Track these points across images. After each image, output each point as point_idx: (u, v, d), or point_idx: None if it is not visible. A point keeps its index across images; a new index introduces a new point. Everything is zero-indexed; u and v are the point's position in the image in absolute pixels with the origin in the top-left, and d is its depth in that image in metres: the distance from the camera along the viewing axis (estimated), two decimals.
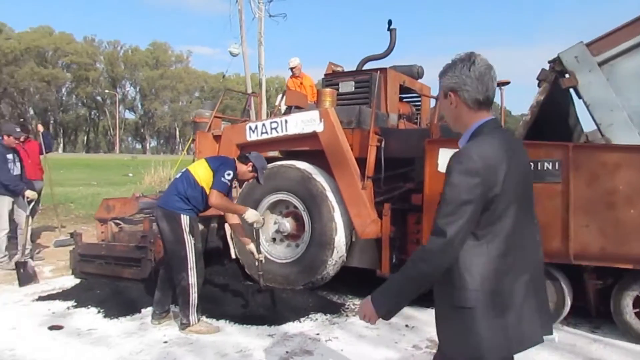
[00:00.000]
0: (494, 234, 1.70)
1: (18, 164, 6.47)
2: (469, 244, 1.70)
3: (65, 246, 7.52)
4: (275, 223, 5.90)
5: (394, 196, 5.30)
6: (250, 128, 5.85)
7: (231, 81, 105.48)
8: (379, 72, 6.00)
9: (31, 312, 5.06)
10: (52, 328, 4.55)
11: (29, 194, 6.35)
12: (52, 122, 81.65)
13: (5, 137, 6.34)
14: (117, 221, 6.32)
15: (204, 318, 4.61)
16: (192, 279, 4.43)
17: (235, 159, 4.69)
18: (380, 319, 1.83)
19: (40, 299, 5.50)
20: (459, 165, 1.66)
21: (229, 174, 4.39)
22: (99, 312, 5.01)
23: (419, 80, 7.10)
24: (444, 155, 4.71)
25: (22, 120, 52.05)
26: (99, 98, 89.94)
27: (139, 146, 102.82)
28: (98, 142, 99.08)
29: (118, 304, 5.12)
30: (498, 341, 1.70)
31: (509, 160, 1.69)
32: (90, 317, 4.90)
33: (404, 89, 6.59)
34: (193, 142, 7.27)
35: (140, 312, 5.00)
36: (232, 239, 5.99)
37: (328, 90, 5.90)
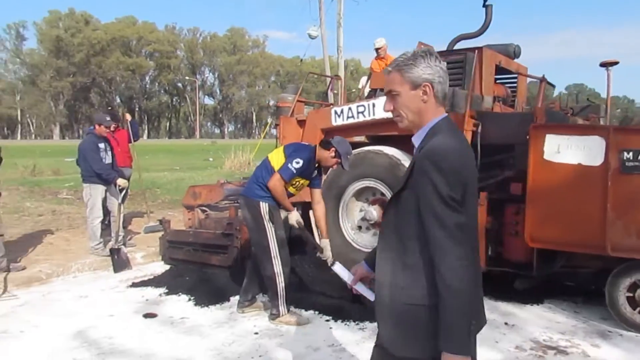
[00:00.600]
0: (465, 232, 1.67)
1: (109, 153, 6.66)
2: None
3: (155, 232, 7.73)
4: (361, 211, 5.70)
5: (491, 185, 4.92)
6: (335, 112, 5.65)
7: (307, 65, 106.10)
8: (475, 51, 5.58)
9: (126, 298, 5.19)
10: (146, 316, 4.63)
11: (121, 182, 6.54)
12: (137, 109, 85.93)
13: (97, 127, 6.54)
14: (204, 208, 6.37)
15: (292, 308, 4.52)
16: (277, 267, 4.34)
17: (317, 145, 4.53)
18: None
19: (134, 285, 5.65)
20: (436, 165, 1.61)
21: (297, 162, 4.28)
22: (189, 300, 5.06)
23: (516, 60, 6.57)
24: (551, 142, 4.30)
25: (110, 108, 55.04)
26: (179, 85, 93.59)
27: (217, 131, 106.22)
28: (179, 128, 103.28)
29: (207, 292, 5.15)
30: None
31: (472, 157, 1.75)
32: (181, 304, 4.95)
33: (499, 70, 6.12)
34: (275, 127, 7.20)
35: (229, 300, 4.99)
36: (316, 227, 5.85)
37: None
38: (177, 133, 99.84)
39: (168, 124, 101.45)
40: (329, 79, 7.64)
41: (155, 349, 3.84)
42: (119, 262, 6.28)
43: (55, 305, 5.03)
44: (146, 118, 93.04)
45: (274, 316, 4.36)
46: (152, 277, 5.97)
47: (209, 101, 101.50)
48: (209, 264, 5.95)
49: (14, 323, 4.49)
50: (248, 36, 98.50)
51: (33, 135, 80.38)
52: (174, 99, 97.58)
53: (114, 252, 6.30)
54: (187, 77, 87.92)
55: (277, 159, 4.42)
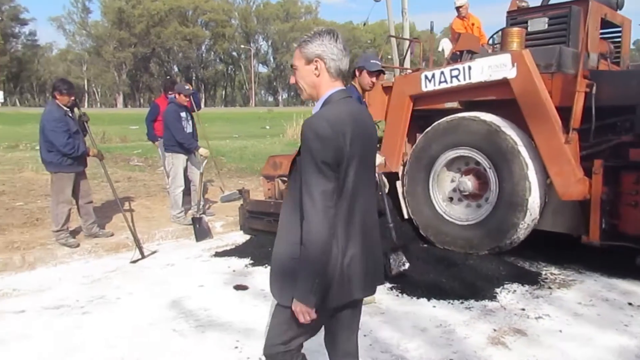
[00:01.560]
0: (342, 197, 1.83)
1: (190, 122, 6.59)
2: None
3: (231, 201, 7.70)
4: (452, 181, 5.39)
5: (606, 151, 4.48)
6: (426, 77, 5.29)
7: (359, 30, 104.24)
8: (580, 4, 5.05)
9: (213, 269, 5.15)
10: (237, 288, 4.55)
11: (203, 151, 6.46)
12: (194, 78, 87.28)
13: (177, 96, 6.45)
14: (284, 178, 6.22)
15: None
16: None
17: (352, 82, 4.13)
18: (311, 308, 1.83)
19: (217, 254, 5.62)
20: (312, 132, 1.76)
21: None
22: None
23: (619, 12, 5.95)
24: None
25: (168, 77, 56.08)
26: (234, 53, 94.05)
27: (271, 99, 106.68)
28: (234, 97, 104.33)
29: None
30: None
31: (353, 125, 1.83)
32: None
33: (604, 24, 5.55)
34: None
35: None
36: (404, 197, 5.60)
37: (515, 29, 5.10)
38: (232, 102, 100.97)
39: (224, 93, 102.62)
40: (407, 43, 7.21)
41: (253, 323, 3.73)
42: (201, 231, 6.27)
43: (144, 273, 5.06)
44: (203, 87, 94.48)
45: None
46: (233, 246, 5.93)
47: (263, 69, 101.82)
48: None
49: (109, 289, 4.54)
50: (300, 3, 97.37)
51: (98, 104, 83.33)
52: (229, 68, 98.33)
53: (196, 221, 6.29)
54: (242, 46, 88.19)
55: None
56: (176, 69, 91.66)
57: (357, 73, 4.12)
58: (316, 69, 1.89)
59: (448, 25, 7.68)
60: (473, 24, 7.27)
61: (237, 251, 5.69)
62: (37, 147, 6.33)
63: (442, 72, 5.18)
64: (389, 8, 15.40)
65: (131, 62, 78.81)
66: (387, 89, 5.75)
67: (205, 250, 5.90)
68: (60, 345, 3.40)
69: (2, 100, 58.83)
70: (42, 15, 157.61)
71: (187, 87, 6.50)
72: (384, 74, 5.44)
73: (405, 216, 5.60)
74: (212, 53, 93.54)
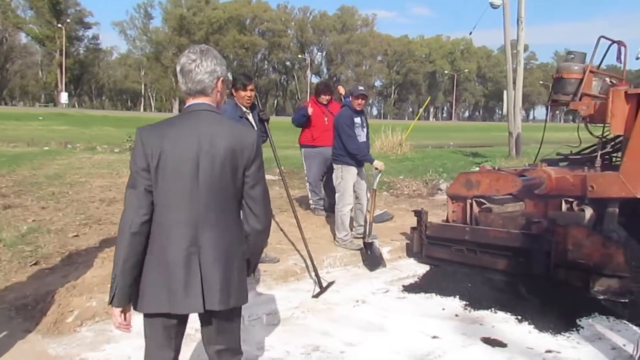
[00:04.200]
0: (157, 203, 1.95)
1: (365, 130, 5.62)
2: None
3: (384, 221, 6.72)
4: None
5: None
6: None
7: (415, 44, 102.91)
8: None
9: (420, 309, 4.16)
10: (487, 342, 3.51)
11: (378, 164, 5.46)
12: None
13: (352, 99, 5.50)
14: (482, 200, 5.16)
15: None
16: None
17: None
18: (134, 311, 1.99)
19: (407, 289, 4.65)
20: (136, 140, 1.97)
21: None
22: (518, 319, 3.88)
23: None
24: None
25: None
26: (288, 63, 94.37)
27: None
28: (285, 106, 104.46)
29: (538, 311, 3.95)
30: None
31: (173, 139, 1.94)
32: (510, 326, 3.78)
33: None
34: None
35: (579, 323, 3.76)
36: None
37: None
38: (282, 110, 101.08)
39: (275, 102, 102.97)
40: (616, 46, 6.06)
41: None
42: (373, 259, 5.29)
43: (339, 313, 4.10)
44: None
45: None
46: (417, 278, 4.98)
47: (315, 80, 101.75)
48: (490, 268, 4.80)
49: (316, 336, 3.57)
50: (358, 15, 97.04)
51: (152, 109, 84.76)
52: (282, 77, 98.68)
53: (368, 247, 5.31)
54: (299, 55, 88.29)
55: None
56: (230, 77, 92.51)
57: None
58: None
59: None
60: None
61: (429, 286, 4.68)
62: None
63: None
64: (506, 16, 14.32)
65: None
66: (631, 97, 4.63)
67: (387, 282, 4.90)
68: None
69: (67, 102, 60.36)
70: (106, 19, 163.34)
71: (360, 88, 5.54)
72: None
73: None
74: (266, 62, 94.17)
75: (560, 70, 5.61)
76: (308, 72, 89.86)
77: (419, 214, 5.47)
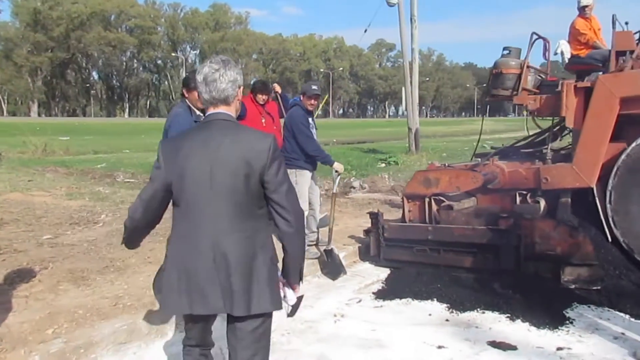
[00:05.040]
0: (177, 216, 2.09)
1: (315, 131, 5.25)
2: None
3: (325, 226, 6.42)
4: None
5: None
6: None
7: (290, 42, 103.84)
8: None
9: (405, 319, 3.94)
10: (496, 345, 3.37)
11: (338, 166, 5.12)
12: (116, 86, 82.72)
13: (302, 98, 5.11)
14: (441, 198, 5.07)
15: None
16: None
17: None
18: None
19: (381, 296, 4.44)
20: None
21: None
22: (510, 318, 3.81)
23: None
24: None
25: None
26: (160, 62, 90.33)
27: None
28: (158, 107, 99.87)
29: (524, 306, 3.91)
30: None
31: (189, 152, 2.04)
32: (509, 326, 3.69)
33: None
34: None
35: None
36: (610, 217, 4.64)
37: None
38: (156, 111, 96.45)
39: (148, 103, 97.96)
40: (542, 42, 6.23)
41: None
42: (334, 267, 4.98)
43: (324, 331, 3.74)
44: (127, 96, 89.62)
45: None
46: (385, 283, 4.80)
47: None
48: (456, 266, 4.75)
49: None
50: (231, 13, 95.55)
51: (4, 112, 76.11)
52: (154, 77, 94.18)
53: (328, 255, 4.99)
54: (173, 54, 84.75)
55: None
56: (95, 76, 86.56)
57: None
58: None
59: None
60: (600, 29, 6.51)
61: (401, 291, 4.49)
62: None
63: None
64: (400, 14, 14.68)
65: (48, 68, 72.83)
66: (580, 90, 4.81)
67: (355, 291, 4.63)
68: None
69: None
70: None
71: (314, 87, 5.18)
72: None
73: (610, 239, 4.63)
74: (136, 61, 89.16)
75: (499, 66, 5.71)
76: (182, 71, 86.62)
77: (375, 215, 5.27)
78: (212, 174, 1.99)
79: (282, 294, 2.18)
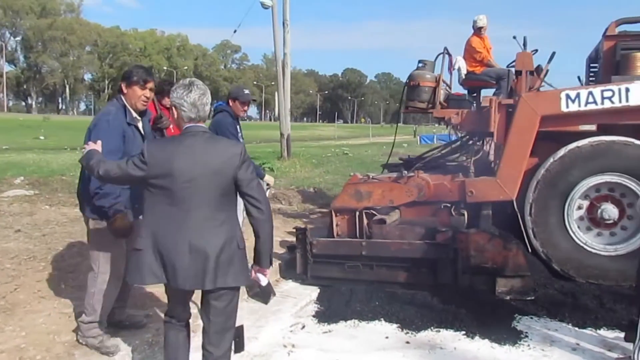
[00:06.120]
0: (155, 203, 2.45)
1: (241, 139, 4.73)
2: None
3: None
4: (579, 208, 4.89)
5: None
6: (568, 97, 4.72)
7: (129, 36, 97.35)
8: None
9: (362, 344, 3.69)
10: None
11: (269, 179, 4.65)
12: None
13: (232, 102, 4.57)
14: (373, 212, 4.92)
15: None
16: None
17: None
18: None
19: (324, 320, 4.14)
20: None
21: None
22: (467, 334, 3.77)
23: None
24: None
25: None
26: None
27: (22, 104, 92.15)
28: None
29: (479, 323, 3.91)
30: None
31: (175, 152, 2.43)
32: (465, 344, 3.65)
33: None
34: (406, 109, 5.97)
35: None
36: (530, 229, 4.90)
37: None
38: None
39: None
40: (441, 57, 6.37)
41: None
42: (264, 289, 4.53)
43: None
44: None
45: None
46: (319, 305, 4.51)
47: (10, 68, 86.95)
48: (390, 282, 4.66)
49: None
50: None
51: None
52: None
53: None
54: None
55: None
56: None
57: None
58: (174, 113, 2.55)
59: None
60: (491, 48, 6.95)
61: (344, 312, 4.23)
62: None
63: (590, 93, 4.68)
64: (274, 17, 14.36)
65: None
66: (502, 107, 5.01)
67: (294, 315, 4.27)
68: None
69: None
70: None
71: (247, 92, 4.68)
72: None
73: (530, 249, 4.90)
74: None
75: (416, 78, 5.78)
76: (1, 60, 76.38)
77: (302, 231, 4.94)
78: (196, 173, 2.40)
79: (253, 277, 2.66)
